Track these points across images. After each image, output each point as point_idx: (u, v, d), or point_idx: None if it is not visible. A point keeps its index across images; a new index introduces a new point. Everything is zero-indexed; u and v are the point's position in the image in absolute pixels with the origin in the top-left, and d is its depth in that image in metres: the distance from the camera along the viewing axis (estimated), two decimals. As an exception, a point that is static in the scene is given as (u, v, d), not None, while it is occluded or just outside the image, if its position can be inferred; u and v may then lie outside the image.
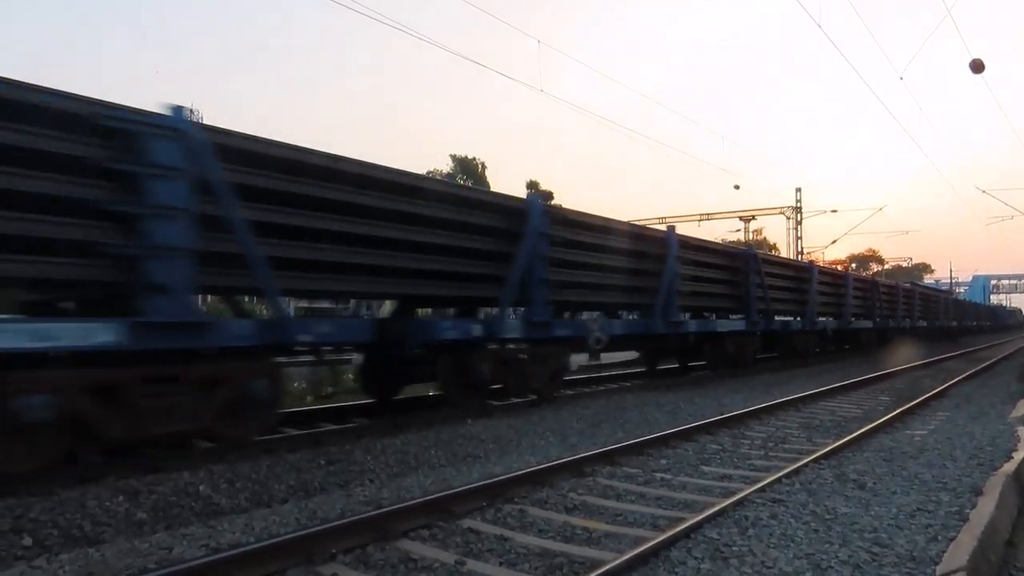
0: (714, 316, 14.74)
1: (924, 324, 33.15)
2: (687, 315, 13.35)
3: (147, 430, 5.60)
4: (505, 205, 9.07)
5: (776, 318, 17.07)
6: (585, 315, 12.17)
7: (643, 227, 13.08)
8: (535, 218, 9.03)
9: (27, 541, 4.20)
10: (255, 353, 6.43)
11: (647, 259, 11.84)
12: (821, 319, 19.39)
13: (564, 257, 9.85)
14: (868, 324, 23.79)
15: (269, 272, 6.25)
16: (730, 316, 15.41)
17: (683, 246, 12.86)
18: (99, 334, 5.27)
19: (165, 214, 5.59)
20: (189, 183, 5.72)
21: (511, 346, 9.15)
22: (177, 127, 5.72)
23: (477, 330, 8.49)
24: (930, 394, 11.42)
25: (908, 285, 33.19)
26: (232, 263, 6.14)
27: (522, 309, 9.49)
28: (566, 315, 11.16)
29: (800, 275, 18.72)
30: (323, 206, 6.85)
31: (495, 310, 9.11)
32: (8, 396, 4.84)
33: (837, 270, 27.50)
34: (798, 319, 18.65)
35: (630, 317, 12.81)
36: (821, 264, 27.81)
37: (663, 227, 13.84)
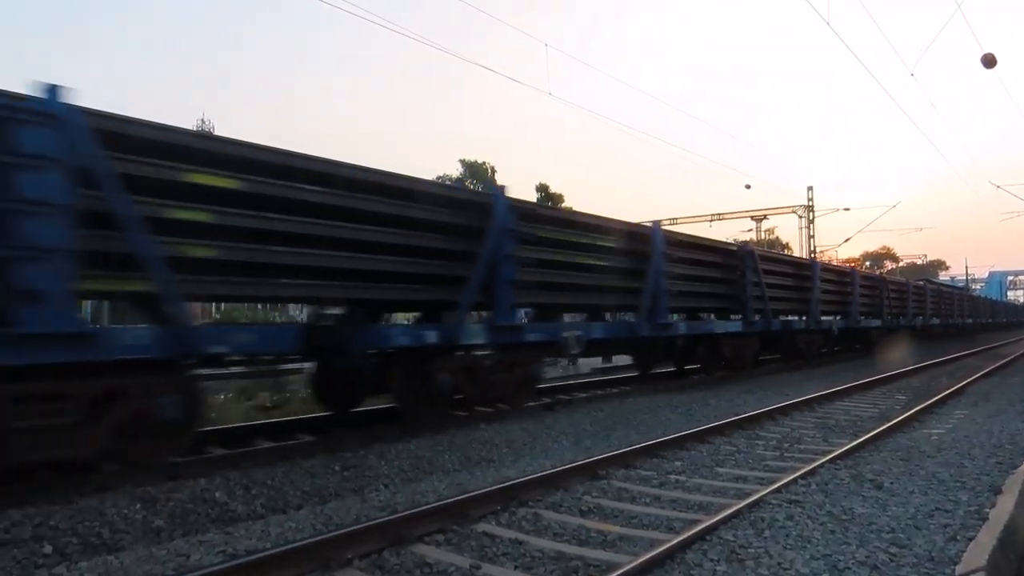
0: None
1: (969, 320, 33.35)
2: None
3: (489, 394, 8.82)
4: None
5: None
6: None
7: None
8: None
9: (47, 549, 4.24)
10: (538, 347, 9.44)
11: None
12: (862, 318, 21.64)
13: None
14: (906, 322, 24.96)
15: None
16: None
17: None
18: (479, 334, 8.40)
19: (504, 259, 8.40)
20: (514, 237, 8.56)
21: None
22: (501, 198, 8.54)
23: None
24: (947, 392, 11.32)
25: (920, 283, 32.36)
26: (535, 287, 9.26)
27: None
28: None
29: (843, 279, 20.83)
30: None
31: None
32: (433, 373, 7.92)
33: (881, 275, 28.20)
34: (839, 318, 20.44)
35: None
36: (850, 265, 28.00)
37: (676, 228, 13.81)
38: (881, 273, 48.14)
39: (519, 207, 8.93)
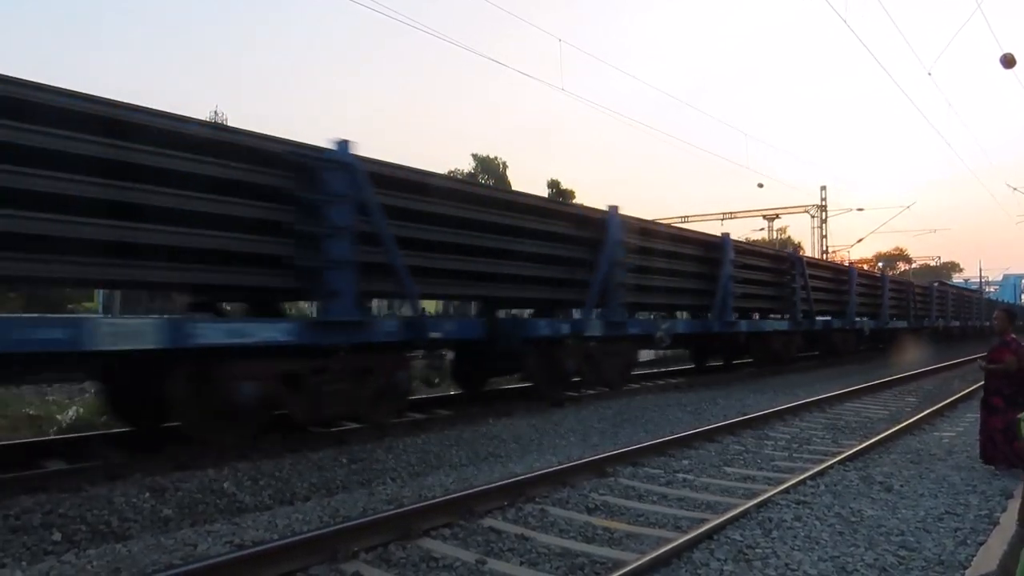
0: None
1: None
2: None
3: None
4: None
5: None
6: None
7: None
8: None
9: (56, 536, 4.28)
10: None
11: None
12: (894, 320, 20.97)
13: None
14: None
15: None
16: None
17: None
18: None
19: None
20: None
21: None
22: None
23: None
24: (959, 395, 11.22)
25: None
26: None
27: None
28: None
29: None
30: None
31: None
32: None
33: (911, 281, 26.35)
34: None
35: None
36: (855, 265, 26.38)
37: (685, 226, 13.64)
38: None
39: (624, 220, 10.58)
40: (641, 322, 11.40)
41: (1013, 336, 6.32)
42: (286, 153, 6.40)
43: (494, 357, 8.99)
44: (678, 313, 13.56)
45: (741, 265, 13.54)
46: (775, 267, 15.70)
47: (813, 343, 17.86)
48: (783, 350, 15.98)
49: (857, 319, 19.32)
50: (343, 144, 6.70)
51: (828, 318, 17.78)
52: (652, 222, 12.74)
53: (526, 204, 9.30)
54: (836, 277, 18.90)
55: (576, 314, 10.24)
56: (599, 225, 10.14)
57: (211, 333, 5.76)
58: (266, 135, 6.39)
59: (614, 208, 10.34)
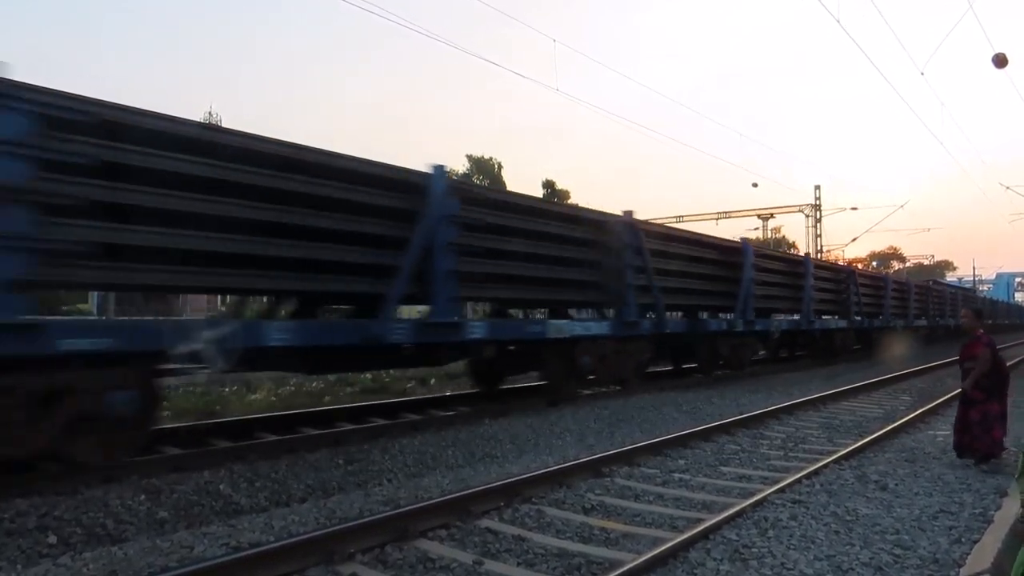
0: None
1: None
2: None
3: None
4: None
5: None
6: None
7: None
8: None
9: (52, 539, 4.26)
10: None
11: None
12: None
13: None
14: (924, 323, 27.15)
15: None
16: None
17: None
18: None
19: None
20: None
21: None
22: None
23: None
24: (954, 393, 11.25)
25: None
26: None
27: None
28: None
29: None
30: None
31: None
32: None
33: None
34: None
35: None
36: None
37: (681, 226, 13.56)
38: (884, 270, 47.03)
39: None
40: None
41: (982, 332, 6.56)
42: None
43: None
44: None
45: (931, 292, 23.40)
46: (921, 291, 26.75)
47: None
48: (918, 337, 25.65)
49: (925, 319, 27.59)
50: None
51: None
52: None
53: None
54: (941, 294, 29.92)
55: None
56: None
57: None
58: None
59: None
